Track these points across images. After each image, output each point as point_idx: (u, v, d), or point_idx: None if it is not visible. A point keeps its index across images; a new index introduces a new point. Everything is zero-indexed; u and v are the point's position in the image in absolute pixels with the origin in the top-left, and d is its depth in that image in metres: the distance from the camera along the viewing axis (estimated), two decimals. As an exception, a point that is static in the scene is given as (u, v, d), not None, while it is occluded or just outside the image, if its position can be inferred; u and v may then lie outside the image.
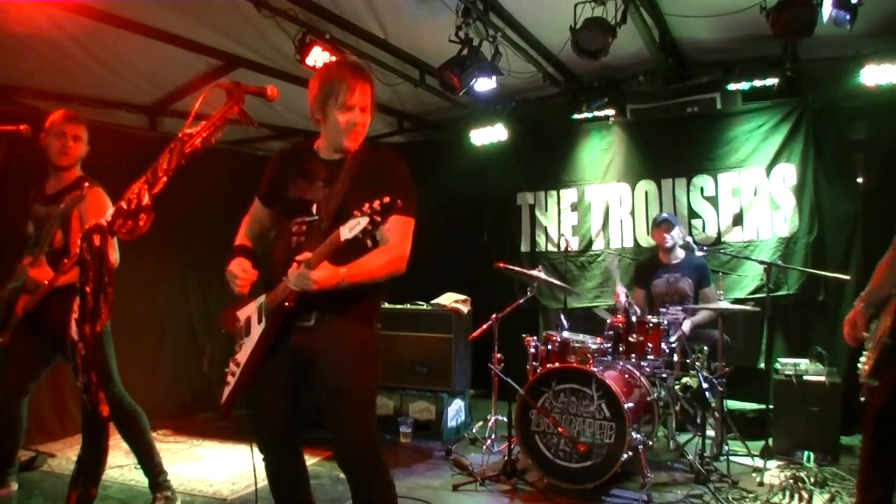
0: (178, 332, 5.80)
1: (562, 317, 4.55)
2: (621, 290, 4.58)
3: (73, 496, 1.48)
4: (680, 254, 4.94)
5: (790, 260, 5.20)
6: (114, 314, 1.55)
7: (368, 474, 2.25)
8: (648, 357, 4.13)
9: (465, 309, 5.07)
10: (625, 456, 3.58)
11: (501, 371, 4.25)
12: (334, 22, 4.42)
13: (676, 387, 4.45)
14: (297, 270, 2.04)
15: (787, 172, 5.37)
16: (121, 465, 3.99)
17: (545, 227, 6.41)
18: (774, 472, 3.90)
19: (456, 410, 5.05)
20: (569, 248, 6.02)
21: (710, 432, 4.18)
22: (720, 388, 4.09)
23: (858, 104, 5.17)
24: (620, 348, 4.17)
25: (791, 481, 3.62)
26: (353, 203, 1.99)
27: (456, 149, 6.63)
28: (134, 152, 3.70)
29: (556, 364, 3.97)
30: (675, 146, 5.82)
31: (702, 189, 5.72)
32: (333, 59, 4.28)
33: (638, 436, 3.67)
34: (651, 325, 4.16)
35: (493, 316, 4.59)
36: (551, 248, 6.37)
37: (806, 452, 4.17)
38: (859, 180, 5.26)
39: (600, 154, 6.19)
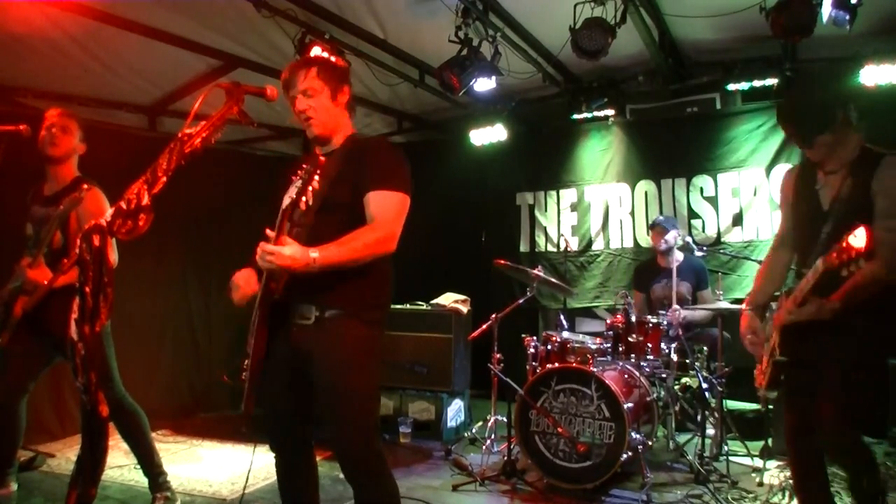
0: (178, 332, 5.79)
1: (561, 317, 4.55)
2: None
3: (72, 496, 1.48)
4: (679, 256, 4.94)
5: (790, 260, 5.19)
6: (113, 314, 1.55)
7: (369, 477, 2.19)
8: (648, 357, 4.13)
9: (464, 309, 5.07)
10: (624, 456, 3.57)
11: (501, 371, 4.25)
12: (334, 22, 4.42)
13: (676, 387, 4.45)
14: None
15: (787, 172, 5.37)
16: (121, 465, 3.99)
17: (544, 228, 6.41)
18: (774, 473, 3.89)
19: (455, 410, 5.05)
20: (569, 249, 6.02)
21: (710, 432, 4.18)
22: (720, 388, 4.09)
23: (858, 104, 5.15)
24: (620, 348, 4.17)
25: (791, 481, 3.62)
26: (336, 192, 1.97)
27: (456, 149, 6.63)
28: (134, 152, 3.69)
29: (556, 364, 3.97)
30: (675, 146, 5.82)
31: (701, 189, 5.72)
32: (333, 59, 4.28)
33: (637, 436, 3.67)
34: (651, 325, 4.17)
35: (493, 316, 4.58)
36: (550, 248, 6.37)
37: (806, 452, 4.16)
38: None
39: (600, 154, 6.19)
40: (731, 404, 4.79)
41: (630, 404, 3.68)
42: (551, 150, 6.41)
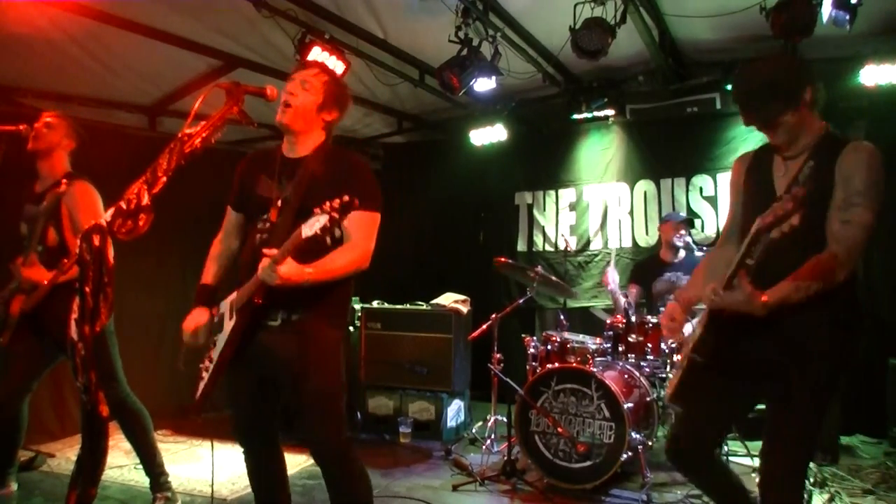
0: (178, 332, 5.75)
1: (561, 316, 4.55)
2: (612, 274, 4.58)
3: (72, 496, 1.49)
4: (681, 253, 4.94)
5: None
6: (113, 314, 1.55)
7: (339, 471, 2.34)
8: (648, 357, 4.13)
9: (464, 309, 5.07)
10: (624, 456, 3.58)
11: (501, 371, 4.25)
12: (334, 22, 4.42)
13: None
14: (266, 263, 2.07)
15: (787, 172, 5.37)
16: (121, 465, 4.00)
17: (543, 227, 6.41)
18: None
19: (455, 410, 5.05)
20: (568, 248, 6.02)
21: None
22: (720, 388, 4.08)
23: (858, 104, 5.16)
24: (620, 348, 4.17)
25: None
26: (313, 202, 2.03)
27: (455, 149, 6.63)
28: (134, 152, 3.70)
29: (556, 364, 3.97)
30: (675, 146, 5.83)
31: (701, 189, 5.73)
32: (333, 59, 4.28)
33: (637, 436, 3.68)
34: (650, 325, 4.16)
35: (493, 316, 4.58)
36: (549, 247, 6.37)
37: (805, 452, 4.16)
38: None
39: (599, 154, 6.19)
40: (731, 404, 4.79)
41: (630, 404, 3.68)
42: (551, 150, 6.41)
